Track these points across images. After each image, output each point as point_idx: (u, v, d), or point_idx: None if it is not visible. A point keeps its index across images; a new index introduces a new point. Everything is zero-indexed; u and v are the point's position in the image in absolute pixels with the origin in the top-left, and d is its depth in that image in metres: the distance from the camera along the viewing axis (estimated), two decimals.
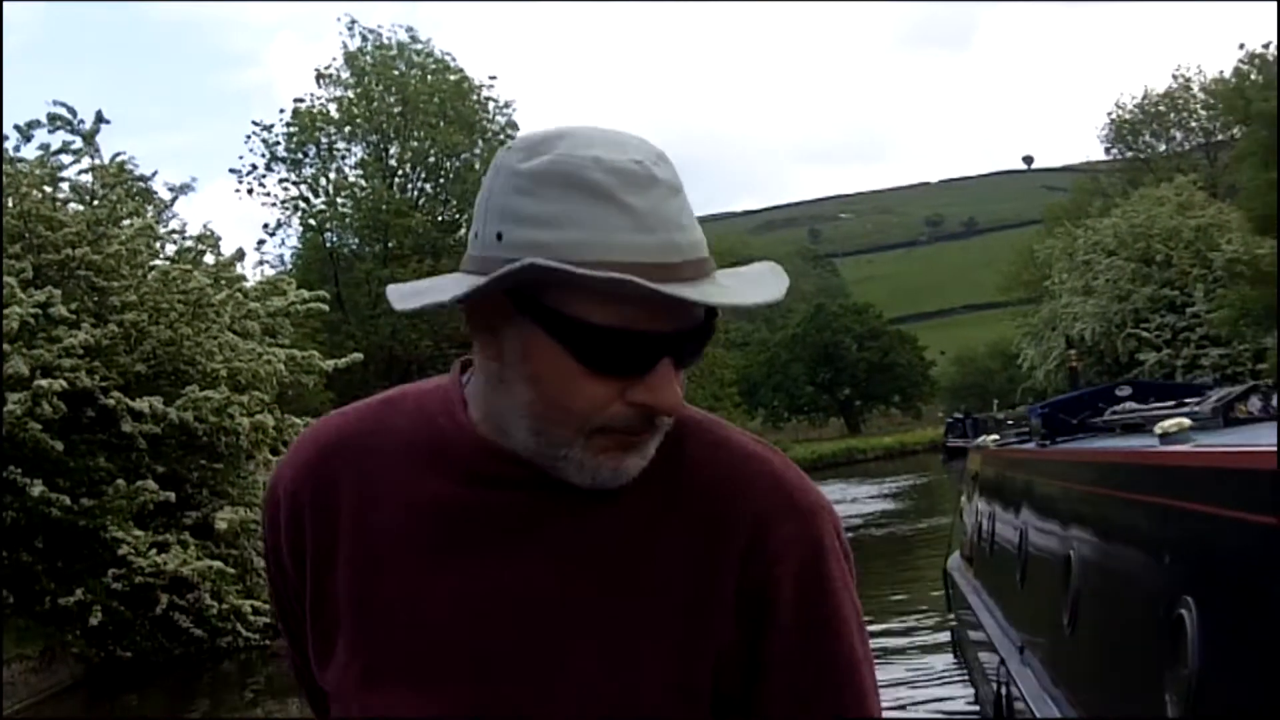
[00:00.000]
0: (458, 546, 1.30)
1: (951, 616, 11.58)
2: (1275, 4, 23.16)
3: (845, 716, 1.32)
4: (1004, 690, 7.04)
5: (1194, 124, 55.67)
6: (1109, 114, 65.12)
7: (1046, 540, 6.40)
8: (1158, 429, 4.96)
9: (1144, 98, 58.18)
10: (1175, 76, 52.40)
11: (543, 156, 1.22)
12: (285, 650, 1.53)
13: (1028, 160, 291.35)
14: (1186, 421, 5.02)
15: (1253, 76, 31.32)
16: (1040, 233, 53.25)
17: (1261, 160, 22.53)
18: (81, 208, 16.19)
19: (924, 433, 74.16)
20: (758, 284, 1.29)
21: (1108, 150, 60.80)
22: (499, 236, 1.22)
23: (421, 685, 1.28)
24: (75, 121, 16.12)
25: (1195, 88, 55.19)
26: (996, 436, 12.53)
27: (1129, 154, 58.13)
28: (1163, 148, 56.71)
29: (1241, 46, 49.00)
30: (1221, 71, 51.05)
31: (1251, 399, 5.50)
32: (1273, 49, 36.09)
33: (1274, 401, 5.39)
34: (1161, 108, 56.93)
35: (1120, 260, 35.29)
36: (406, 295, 1.30)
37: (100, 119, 16.34)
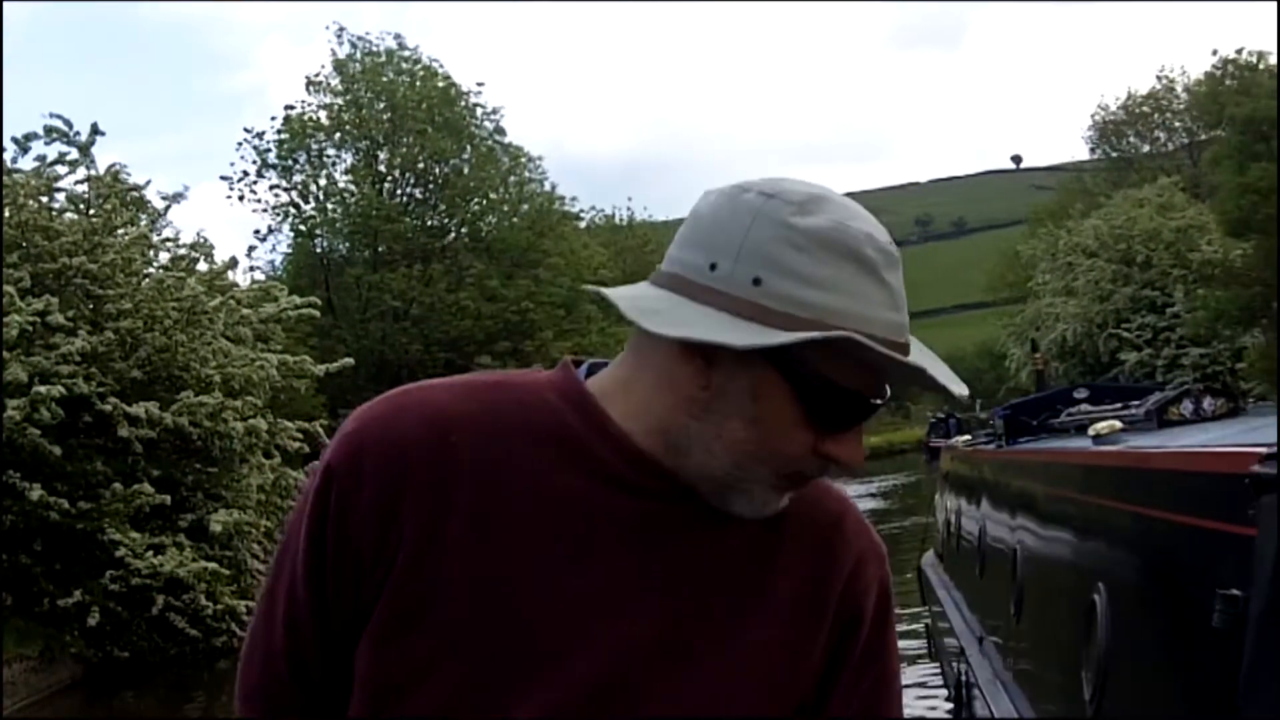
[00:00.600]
0: (589, 545, 1.31)
1: (925, 610, 11.96)
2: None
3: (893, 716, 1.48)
4: (964, 679, 7.41)
5: (1178, 124, 55.91)
6: (1093, 115, 65.34)
7: (999, 536, 6.78)
8: (1090, 431, 5.35)
9: (1128, 98, 58.46)
10: (1159, 77, 52.61)
11: (817, 217, 1.26)
12: (256, 632, 1.45)
13: (1017, 160, 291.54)
14: (1117, 424, 5.41)
15: (1226, 82, 31.63)
16: (1025, 233, 53.53)
17: (1236, 164, 22.88)
18: (77, 217, 16.40)
19: (912, 432, 74.50)
20: (937, 364, 1.34)
21: (1092, 151, 61.05)
22: (756, 281, 1.25)
23: (543, 679, 1.27)
24: (71, 133, 16.40)
25: (1179, 88, 55.43)
26: (969, 436, 12.92)
27: (1113, 154, 58.32)
28: (1147, 148, 56.88)
29: (1215, 52, 49.29)
30: (1205, 72, 51.29)
31: (1184, 402, 5.87)
32: (1245, 54, 36.60)
33: (1204, 405, 5.77)
34: (1145, 108, 57.11)
35: (1101, 261, 35.49)
36: (659, 318, 1.29)
37: (95, 131, 16.61)
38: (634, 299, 1.30)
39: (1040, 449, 6.58)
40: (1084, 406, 8.18)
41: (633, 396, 1.33)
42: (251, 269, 31.46)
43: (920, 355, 1.31)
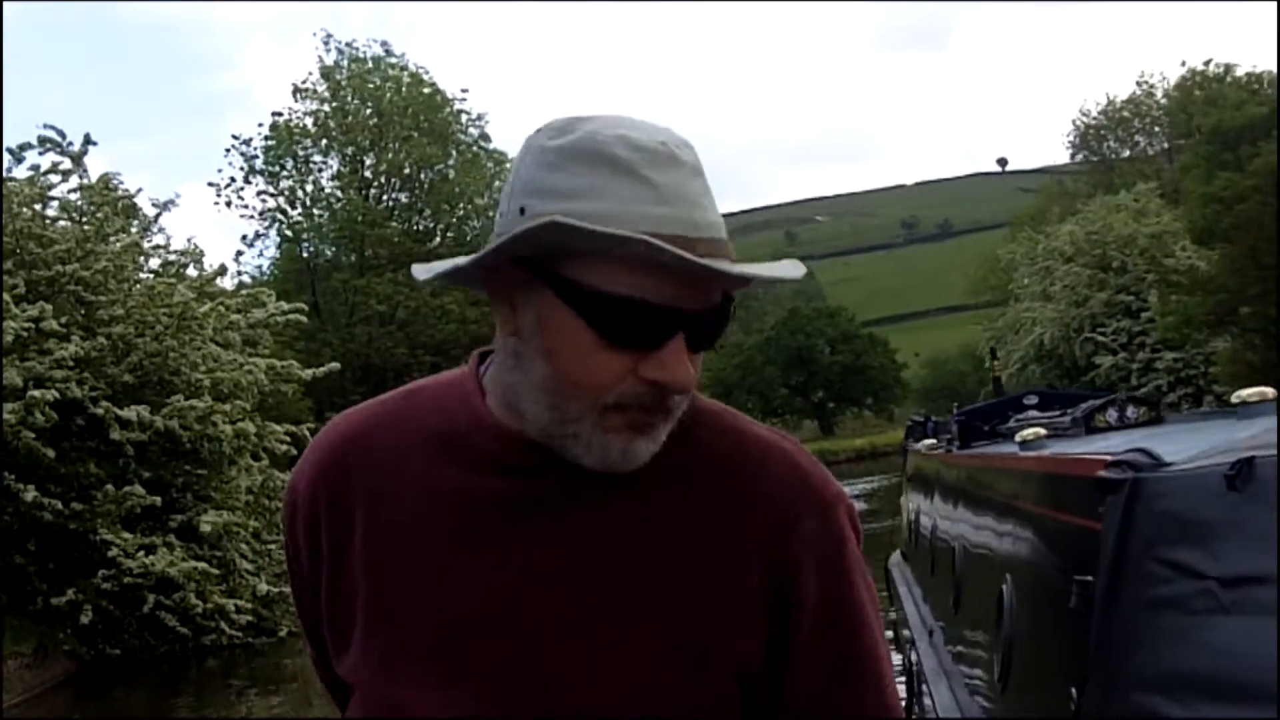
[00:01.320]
0: (477, 535, 1.29)
1: (892, 607, 12.39)
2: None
3: (867, 709, 1.33)
4: (914, 669, 7.83)
5: (1156, 129, 56.43)
6: (1073, 120, 65.77)
7: (945, 534, 7.20)
8: (1017, 437, 5.77)
9: (1108, 104, 58.98)
10: (1139, 83, 53.14)
11: (570, 135, 1.24)
12: (308, 651, 1.54)
13: (1002, 163, 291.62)
14: (1042, 431, 5.83)
15: (1195, 93, 32.13)
16: (1006, 236, 53.96)
17: (1204, 173, 23.36)
18: (70, 225, 16.74)
19: (895, 434, 74.61)
20: (774, 268, 1.30)
21: (1072, 157, 61.55)
22: (521, 210, 1.23)
23: (443, 671, 1.27)
24: (64, 143, 16.76)
25: (1159, 94, 55.96)
26: (933, 440, 13.32)
27: (1094, 159, 58.76)
28: (1127, 153, 57.37)
29: (1183, 63, 49.85)
30: (1175, 84, 51.84)
31: (1110, 411, 6.28)
32: (1213, 66, 37.10)
33: (1128, 413, 6.19)
34: (1125, 113, 57.63)
35: (1077, 266, 35.90)
36: (428, 270, 1.32)
37: (88, 141, 17.00)
38: (438, 263, 1.32)
39: (976, 453, 7.00)
40: (1032, 413, 8.55)
41: (494, 374, 1.33)
42: (239, 274, 31.90)
43: (750, 266, 1.26)
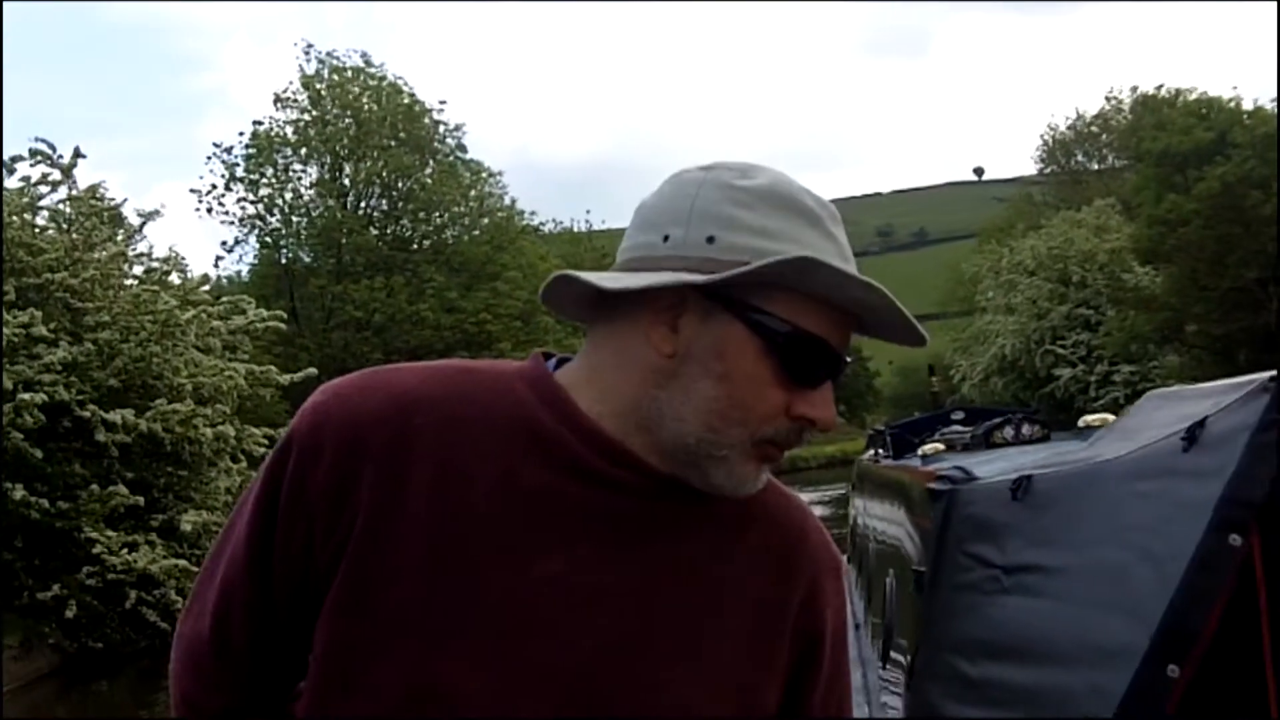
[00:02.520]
0: (554, 536, 1.27)
1: None
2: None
3: None
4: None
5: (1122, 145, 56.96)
6: (1042, 135, 66.43)
7: (864, 536, 7.94)
8: (919, 450, 6.48)
9: (1076, 118, 59.59)
10: (1107, 99, 53.89)
11: (758, 179, 1.30)
12: (196, 599, 1.42)
13: (978, 172, 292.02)
14: (941, 445, 6.53)
15: (1145, 118, 32.90)
16: (974, 247, 54.51)
17: (1153, 195, 24.15)
18: (59, 234, 17.31)
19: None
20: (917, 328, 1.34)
21: (1041, 171, 62.14)
22: (710, 239, 1.26)
23: (498, 660, 1.25)
24: (55, 156, 17.33)
25: (1126, 109, 56.51)
26: (873, 451, 14.01)
27: (1061, 175, 59.18)
28: (1096, 166, 57.83)
29: (1135, 89, 50.63)
30: (1161, 85, 52.38)
31: (1007, 428, 6.96)
32: (1165, 91, 37.85)
33: (1023, 430, 6.88)
34: (1094, 128, 58.17)
35: (1039, 280, 36.51)
36: (619, 280, 1.30)
37: (77, 154, 17.54)
38: (595, 275, 1.31)
39: (890, 464, 7.68)
40: (956, 428, 9.21)
41: (599, 382, 1.32)
42: (218, 279, 32.35)
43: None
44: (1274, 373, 2.64)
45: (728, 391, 1.27)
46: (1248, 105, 38.19)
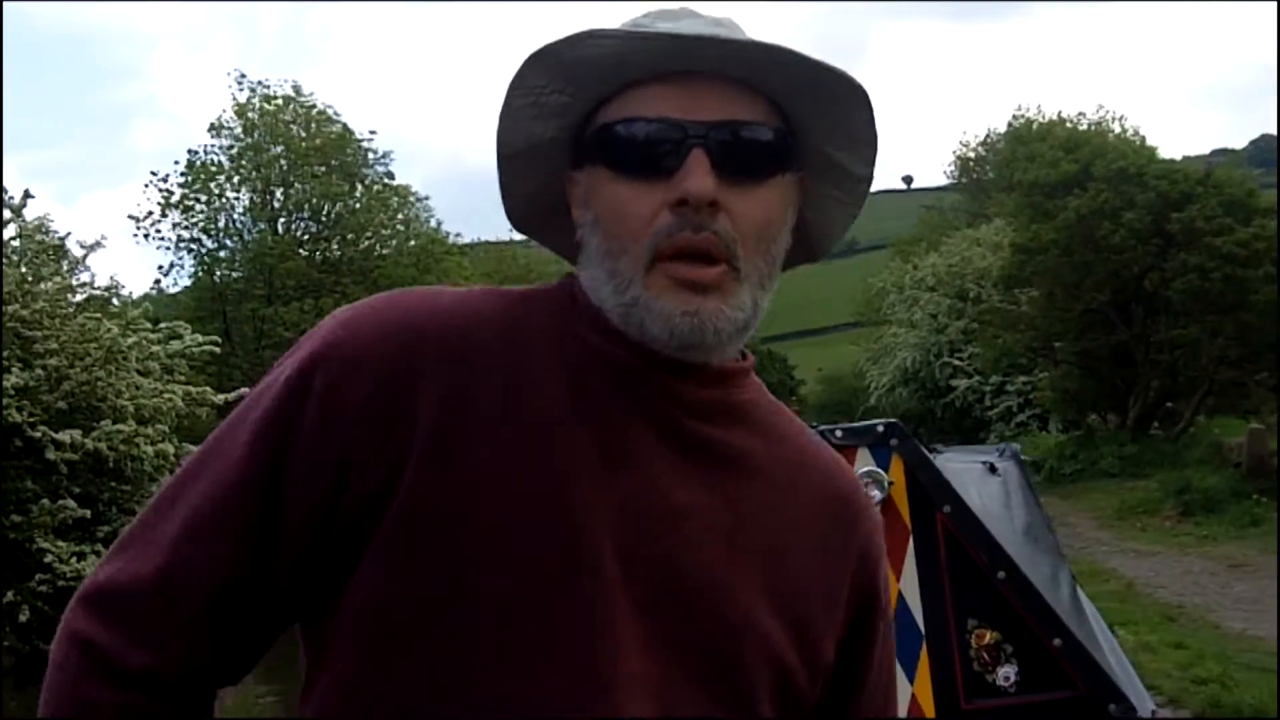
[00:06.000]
0: (624, 454, 1.21)
1: None
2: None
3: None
4: None
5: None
6: (954, 150, 68.33)
7: None
8: None
9: (987, 135, 61.53)
10: (1016, 116, 56.04)
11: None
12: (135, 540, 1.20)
13: (907, 180, 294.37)
14: None
15: (1017, 150, 34.80)
16: (887, 256, 56.19)
17: (1025, 222, 26.08)
18: (10, 269, 18.57)
19: None
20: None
21: (954, 185, 63.97)
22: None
23: (598, 587, 1.17)
24: (6, 198, 18.68)
25: (1034, 127, 58.42)
26: None
27: (973, 187, 60.87)
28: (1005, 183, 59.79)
29: (1010, 124, 52.63)
30: (1059, 112, 54.35)
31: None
32: (1038, 122, 39.53)
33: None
34: (1001, 145, 60.14)
35: (939, 296, 38.15)
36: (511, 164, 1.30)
37: (27, 195, 18.95)
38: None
39: None
40: None
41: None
42: (159, 289, 33.39)
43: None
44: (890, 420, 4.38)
45: (603, 230, 1.22)
46: (1119, 129, 40.43)
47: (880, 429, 4.40)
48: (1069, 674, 4.21)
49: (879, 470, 4.27)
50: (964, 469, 5.22)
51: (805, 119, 1.29)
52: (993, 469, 5.45)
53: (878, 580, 1.38)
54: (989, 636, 4.27)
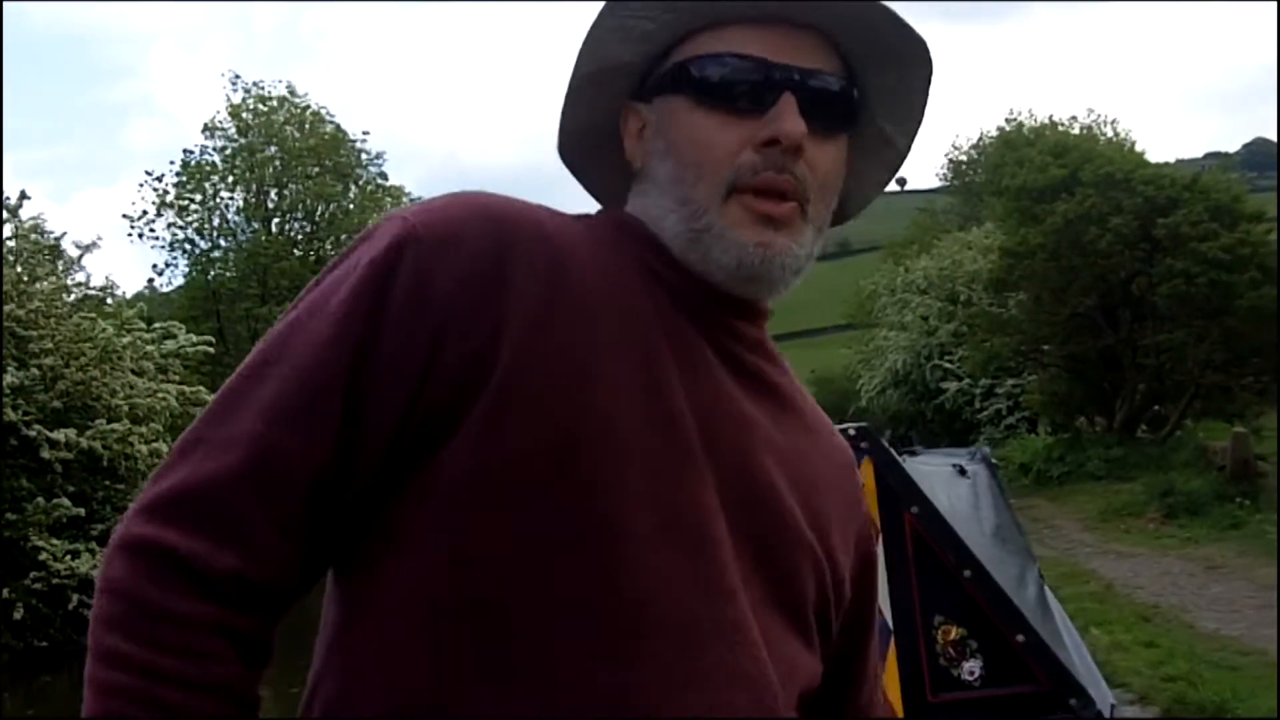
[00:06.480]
0: (700, 370, 1.22)
1: None
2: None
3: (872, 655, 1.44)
4: None
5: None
6: (945, 153, 68.41)
7: None
8: None
9: (979, 138, 61.61)
10: (1008, 120, 56.08)
11: None
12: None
13: (901, 182, 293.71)
14: None
15: (1006, 155, 34.81)
16: (878, 259, 56.23)
17: (1013, 226, 26.21)
18: (6, 269, 18.64)
19: None
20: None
21: (945, 188, 63.98)
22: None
23: (703, 498, 1.17)
24: (3, 199, 18.81)
25: (1026, 130, 58.41)
26: None
27: (964, 190, 60.95)
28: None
29: (1000, 128, 52.69)
30: (1051, 116, 54.34)
31: None
32: (1028, 126, 39.58)
33: None
34: (991, 149, 60.17)
35: (929, 299, 38.11)
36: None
37: (23, 196, 19.08)
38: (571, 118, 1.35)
39: None
40: None
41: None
42: (152, 289, 33.44)
43: None
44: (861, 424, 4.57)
45: (676, 158, 1.23)
46: (1110, 133, 40.41)
47: (851, 433, 4.58)
48: (1031, 669, 4.39)
49: None
50: (934, 472, 5.42)
51: (869, 83, 1.32)
52: (963, 472, 5.63)
53: (870, 538, 1.42)
54: (954, 632, 4.45)
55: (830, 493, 1.33)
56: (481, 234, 1.15)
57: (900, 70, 1.32)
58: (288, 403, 1.12)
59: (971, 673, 4.45)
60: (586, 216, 1.31)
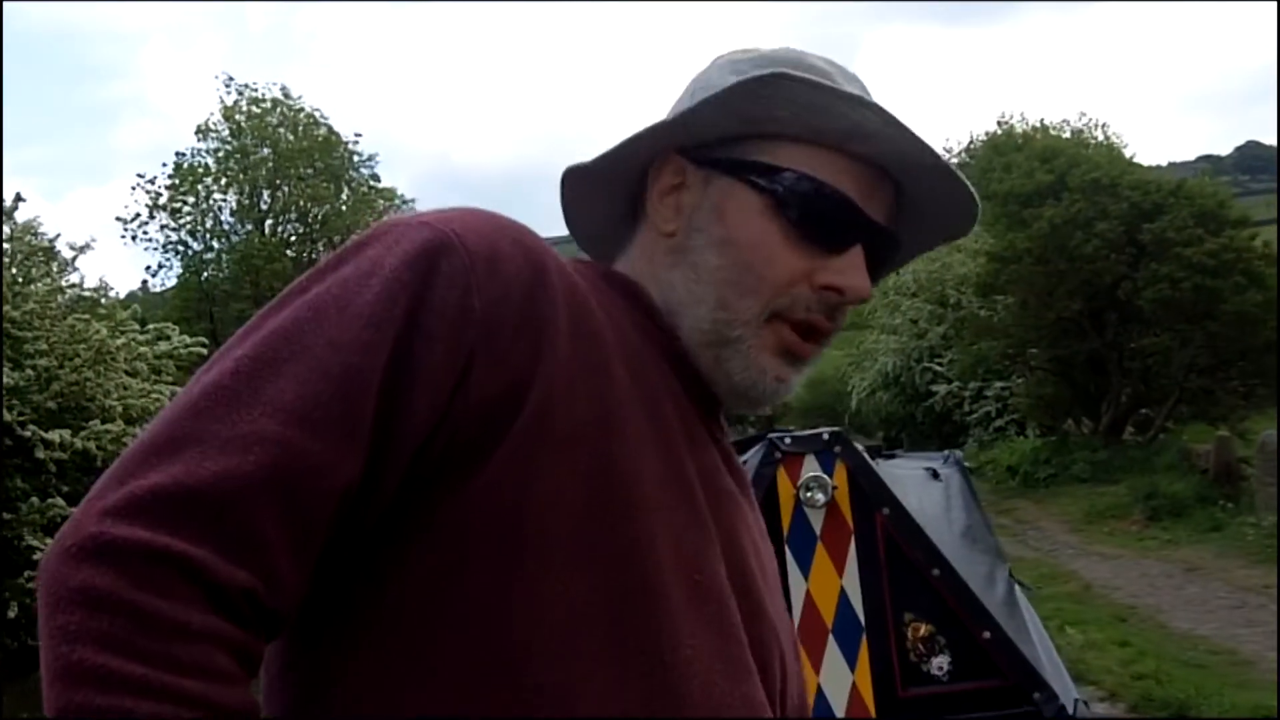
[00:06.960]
0: (695, 440, 1.19)
1: None
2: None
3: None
4: None
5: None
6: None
7: None
8: None
9: (970, 141, 61.77)
10: (999, 123, 56.31)
11: (766, 50, 1.21)
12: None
13: None
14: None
15: (994, 160, 35.08)
16: None
17: (1002, 229, 26.45)
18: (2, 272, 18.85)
19: None
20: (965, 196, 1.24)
21: None
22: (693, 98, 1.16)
23: (715, 568, 1.13)
24: (1, 200, 18.96)
25: (1017, 133, 58.62)
26: None
27: None
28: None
29: (988, 133, 52.94)
30: (1042, 119, 54.53)
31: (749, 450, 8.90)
32: (1020, 129, 39.76)
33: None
34: (980, 152, 60.38)
35: (919, 302, 38.37)
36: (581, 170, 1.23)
37: (19, 198, 19.24)
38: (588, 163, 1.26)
39: None
40: None
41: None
42: (146, 287, 33.55)
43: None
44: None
45: (733, 258, 1.15)
46: (1101, 137, 40.58)
47: (825, 437, 4.78)
48: (997, 664, 4.57)
49: (824, 475, 4.65)
50: (907, 474, 5.61)
51: (904, 218, 1.30)
52: (935, 475, 5.82)
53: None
54: (924, 629, 4.64)
55: (777, 586, 1.30)
56: (515, 258, 1.08)
57: (946, 227, 1.34)
58: (314, 405, 0.97)
59: (940, 668, 4.62)
60: (578, 262, 1.24)
